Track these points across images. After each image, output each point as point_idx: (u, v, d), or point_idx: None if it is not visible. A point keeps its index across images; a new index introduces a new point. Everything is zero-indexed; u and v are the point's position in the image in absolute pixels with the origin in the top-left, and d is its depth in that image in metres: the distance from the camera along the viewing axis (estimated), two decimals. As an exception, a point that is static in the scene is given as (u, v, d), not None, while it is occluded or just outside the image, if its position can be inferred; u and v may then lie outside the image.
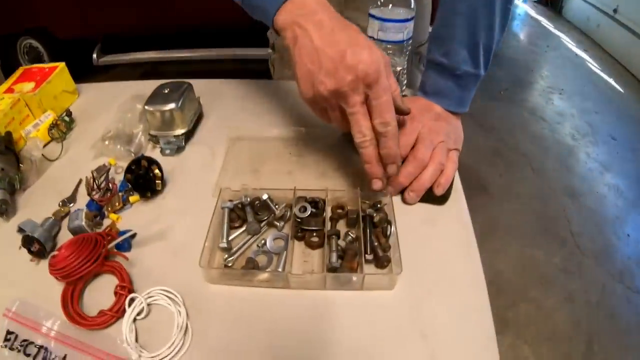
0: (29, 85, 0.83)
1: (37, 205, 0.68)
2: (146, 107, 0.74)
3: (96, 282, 0.58)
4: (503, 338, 1.36)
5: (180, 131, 0.76)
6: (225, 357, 0.50)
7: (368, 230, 0.59)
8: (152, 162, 0.67)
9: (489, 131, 2.28)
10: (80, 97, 0.93)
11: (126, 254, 0.61)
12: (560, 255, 1.64)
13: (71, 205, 0.67)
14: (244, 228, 0.62)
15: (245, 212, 0.63)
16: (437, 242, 0.60)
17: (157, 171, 0.67)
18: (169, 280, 0.57)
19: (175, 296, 0.55)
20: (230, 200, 0.64)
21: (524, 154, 2.05)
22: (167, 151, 0.76)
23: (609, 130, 2.54)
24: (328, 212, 0.64)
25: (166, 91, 0.77)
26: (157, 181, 0.67)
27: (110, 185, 0.69)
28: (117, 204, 0.66)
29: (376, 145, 0.53)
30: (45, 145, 0.79)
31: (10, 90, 0.82)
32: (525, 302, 1.48)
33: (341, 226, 0.63)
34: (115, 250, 0.60)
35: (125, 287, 0.55)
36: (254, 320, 0.53)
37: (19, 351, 0.51)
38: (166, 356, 0.50)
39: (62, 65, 0.88)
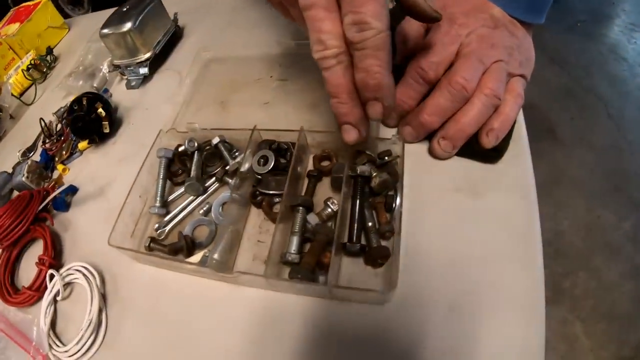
0: (14, 27, 0.74)
1: (8, 156, 0.61)
2: (101, 32, 0.58)
3: (36, 249, 0.49)
4: (554, 310, 1.13)
5: (143, 57, 0.59)
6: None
7: (358, 201, 0.36)
8: (95, 99, 0.52)
9: (561, 67, 1.88)
10: (71, 32, 0.82)
11: (62, 214, 0.50)
12: (632, 221, 1.34)
13: (31, 155, 0.58)
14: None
15: (191, 163, 0.44)
16: (479, 230, 0.34)
17: (100, 110, 0.52)
18: (96, 254, 0.44)
19: (93, 276, 0.42)
20: (180, 145, 0.46)
21: (600, 97, 1.72)
22: (133, 83, 0.60)
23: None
24: (307, 165, 0.42)
25: (125, 9, 0.59)
26: (103, 122, 0.52)
27: (63, 130, 0.57)
28: (64, 152, 0.54)
29: (348, 65, 0.31)
30: (27, 89, 0.71)
31: (-3, 35, 0.75)
32: (586, 271, 1.19)
33: (324, 189, 0.41)
34: (47, 213, 0.49)
35: (46, 261, 0.44)
36: (183, 318, 0.37)
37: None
38: (74, 354, 0.39)
39: (44, 0, 0.77)
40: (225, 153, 0.43)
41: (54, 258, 0.45)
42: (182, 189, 0.44)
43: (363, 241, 0.36)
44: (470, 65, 0.36)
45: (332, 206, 0.37)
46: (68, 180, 0.53)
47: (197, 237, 0.41)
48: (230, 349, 0.34)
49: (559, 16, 1.93)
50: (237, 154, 0.44)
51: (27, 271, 0.47)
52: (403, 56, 0.41)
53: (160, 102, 0.56)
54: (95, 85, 0.61)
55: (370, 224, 0.36)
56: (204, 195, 0.43)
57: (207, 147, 0.44)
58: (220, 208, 0.42)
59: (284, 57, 0.54)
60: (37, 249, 0.48)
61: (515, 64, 0.38)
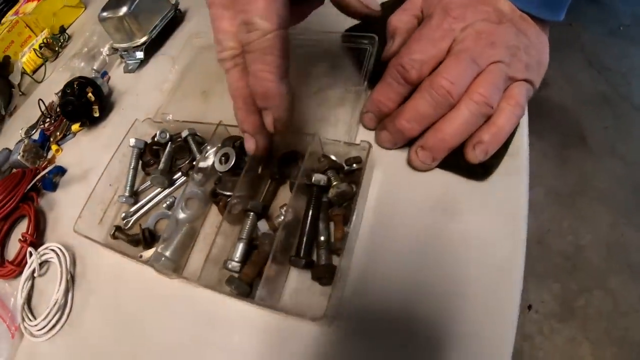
0: (31, 5, 0.77)
1: (14, 132, 0.64)
2: (100, 15, 0.58)
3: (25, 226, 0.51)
4: (563, 328, 1.05)
5: (139, 41, 0.59)
6: (96, 351, 0.38)
7: (311, 212, 0.34)
8: (86, 83, 0.53)
9: (599, 71, 1.68)
10: (86, 11, 0.83)
11: (50, 194, 0.52)
12: (659, 243, 1.19)
13: (33, 133, 0.61)
14: (159, 177, 0.45)
15: (162, 155, 0.44)
16: (450, 257, 0.31)
17: (90, 95, 0.53)
18: (71, 236, 0.45)
19: (64, 257, 0.44)
20: (154, 137, 0.46)
21: (637, 107, 1.54)
22: (130, 67, 0.61)
23: None
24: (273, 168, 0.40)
25: None
26: (93, 106, 0.53)
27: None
28: (58, 133, 0.56)
29: (245, 68, 0.29)
30: (40, 66, 0.73)
31: (16, 13, 0.78)
32: (602, 291, 1.09)
33: (286, 195, 0.39)
34: (41, 192, 0.52)
35: (27, 238, 0.47)
36: (137, 309, 0.38)
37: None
38: (41, 329, 0.41)
39: None
40: (194, 147, 0.42)
41: (36, 236, 0.47)
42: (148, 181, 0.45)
43: (315, 256, 0.34)
44: (459, 66, 0.31)
45: (287, 215, 0.35)
46: (60, 160, 0.55)
47: (158, 231, 0.41)
48: (175, 346, 0.35)
49: (601, 17, 1.74)
50: (208, 148, 0.43)
51: (15, 247, 0.50)
52: (392, 53, 0.37)
53: (151, 88, 0.56)
54: (95, 68, 0.62)
55: (322, 238, 0.34)
56: (171, 189, 0.43)
57: (178, 140, 0.44)
58: (184, 203, 0.41)
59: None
60: (25, 226, 0.51)
61: (519, 67, 0.32)
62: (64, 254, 0.44)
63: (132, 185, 0.44)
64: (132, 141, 0.44)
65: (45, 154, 0.56)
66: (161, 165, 0.43)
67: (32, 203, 0.50)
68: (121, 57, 0.63)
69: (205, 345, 0.34)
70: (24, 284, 0.45)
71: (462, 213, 0.32)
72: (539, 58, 0.34)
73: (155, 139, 0.44)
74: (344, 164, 0.37)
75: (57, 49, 0.73)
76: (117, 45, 0.61)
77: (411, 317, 0.29)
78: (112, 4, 0.58)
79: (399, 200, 0.35)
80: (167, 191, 0.43)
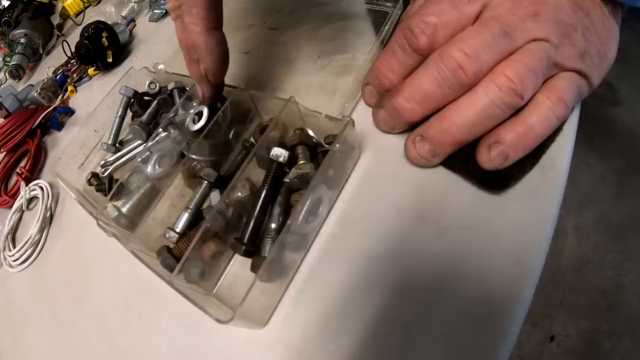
0: None
1: (49, 70, 0.66)
2: None
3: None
4: None
5: (164, -11, 0.57)
6: (53, 291, 0.38)
7: (265, 192, 0.28)
8: (102, 28, 0.52)
9: None
10: None
11: (57, 134, 0.52)
12: None
13: (59, 73, 0.62)
14: (144, 129, 0.42)
15: (149, 106, 0.42)
16: (427, 289, 0.24)
17: (104, 40, 0.52)
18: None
19: (48, 196, 0.44)
20: (150, 87, 0.43)
21: None
22: (155, 16, 0.59)
23: None
24: (248, 133, 0.36)
25: None
26: (107, 51, 0.52)
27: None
28: (75, 75, 0.56)
29: None
30: (84, 10, 0.75)
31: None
32: (633, 338, 0.88)
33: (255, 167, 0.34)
34: (49, 130, 0.53)
35: (22, 172, 0.47)
36: (94, 262, 0.37)
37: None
38: (15, 260, 0.42)
39: None
40: (178, 101, 0.39)
41: (33, 172, 0.48)
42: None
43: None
44: (482, 35, 0.23)
45: (240, 189, 0.30)
46: (72, 102, 0.55)
47: (128, 184, 0.39)
48: (110, 306, 0.33)
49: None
50: (194, 104, 0.40)
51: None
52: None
53: (167, 38, 0.54)
54: (123, 14, 0.61)
55: (273, 225, 0.28)
56: (150, 143, 0.41)
57: (167, 92, 0.41)
58: (156, 160, 0.39)
59: (288, 1, 0.46)
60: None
61: (571, 52, 0.24)
62: (48, 191, 0.44)
63: (117, 134, 0.42)
64: (121, 89, 0.42)
65: (62, 94, 0.57)
66: (144, 117, 0.40)
67: (35, 138, 0.51)
68: (150, 5, 0.61)
69: (136, 315, 0.31)
70: (12, 215, 0.46)
71: (459, 235, 0.24)
72: (601, 48, 0.25)
73: (145, 89, 0.42)
74: (322, 142, 0.31)
75: None
76: (145, -7, 0.59)
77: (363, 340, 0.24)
78: None
79: (382, 197, 0.28)
80: (147, 145, 0.41)
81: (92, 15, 0.70)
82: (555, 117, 0.24)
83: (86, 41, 0.51)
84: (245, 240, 0.27)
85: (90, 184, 0.40)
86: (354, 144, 0.30)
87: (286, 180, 0.29)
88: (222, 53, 0.30)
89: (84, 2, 0.72)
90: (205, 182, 0.31)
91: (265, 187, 0.29)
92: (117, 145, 0.42)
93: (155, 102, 0.41)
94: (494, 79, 0.23)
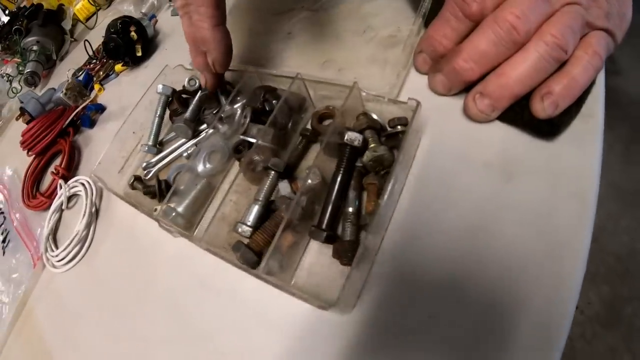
0: None
1: (63, 76, 0.65)
2: None
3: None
4: (607, 335, 0.90)
5: (187, -18, 0.56)
6: (106, 288, 0.38)
7: (340, 177, 0.29)
8: (129, 22, 0.51)
9: None
10: None
11: (89, 132, 0.52)
12: None
13: (80, 75, 0.61)
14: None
15: (189, 104, 0.42)
16: (504, 225, 0.25)
17: (133, 34, 0.51)
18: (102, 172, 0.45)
19: (91, 191, 0.43)
20: (189, 83, 0.43)
21: None
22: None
23: None
24: (307, 123, 0.36)
25: None
26: (136, 45, 0.52)
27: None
28: (101, 72, 0.56)
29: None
30: (93, 14, 0.74)
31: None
32: None
33: (315, 155, 0.35)
34: (80, 129, 0.52)
35: (59, 171, 0.47)
36: (146, 259, 0.37)
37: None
38: (60, 260, 0.41)
39: None
40: (222, 96, 0.39)
41: (69, 170, 0.48)
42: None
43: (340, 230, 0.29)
44: (529, 0, 0.26)
45: (311, 177, 0.30)
46: (102, 99, 0.54)
47: (178, 184, 0.39)
48: (171, 303, 0.33)
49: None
50: (238, 98, 0.40)
51: (47, 181, 0.51)
52: None
53: None
54: (143, 11, 0.60)
55: (350, 209, 0.29)
56: (195, 140, 0.40)
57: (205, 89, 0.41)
58: (206, 156, 0.39)
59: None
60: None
61: (599, 13, 0.27)
62: (91, 187, 0.44)
63: (157, 134, 0.42)
64: (159, 87, 0.41)
65: (88, 93, 0.56)
66: (187, 115, 0.40)
67: (68, 137, 0.50)
68: (170, 0, 0.60)
69: (201, 311, 0.31)
70: (52, 215, 0.45)
71: (519, 175, 0.27)
72: (620, 9, 0.28)
73: (184, 87, 0.41)
74: (386, 125, 0.32)
75: None
76: (167, -13, 0.58)
77: (453, 311, 0.24)
78: None
79: (448, 171, 0.29)
80: (191, 142, 0.41)
81: (105, 18, 0.69)
82: (593, 68, 0.27)
83: (114, 35, 0.51)
84: (324, 226, 0.28)
85: (133, 188, 0.40)
86: (420, 123, 0.30)
87: (358, 164, 0.30)
88: (228, 46, 0.35)
89: (96, 6, 0.71)
90: (273, 172, 0.31)
91: (341, 172, 0.29)
92: (157, 146, 0.42)
93: (197, 98, 0.41)
94: (542, 36, 0.26)
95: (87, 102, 0.51)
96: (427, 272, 0.26)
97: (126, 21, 0.51)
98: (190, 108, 0.40)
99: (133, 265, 0.37)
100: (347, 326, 0.26)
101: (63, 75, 0.64)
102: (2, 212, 0.52)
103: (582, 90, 0.27)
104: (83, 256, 0.41)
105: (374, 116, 0.32)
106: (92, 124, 0.52)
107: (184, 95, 0.42)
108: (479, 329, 0.23)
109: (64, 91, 0.54)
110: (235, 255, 0.28)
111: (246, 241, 0.29)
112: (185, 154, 0.40)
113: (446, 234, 0.26)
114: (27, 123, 0.55)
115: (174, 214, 0.34)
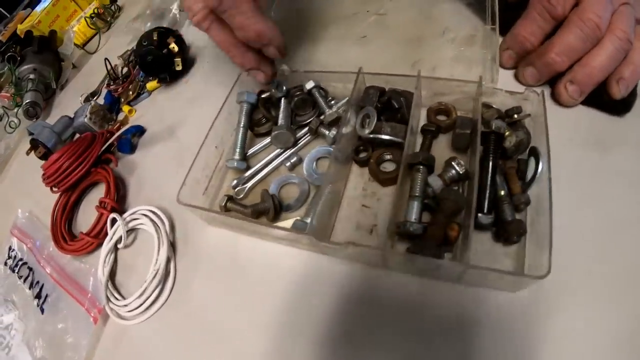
0: None
1: (69, 103, 0.57)
2: None
3: (97, 194, 0.44)
4: None
5: (220, -6, 0.52)
6: (207, 328, 0.31)
7: (491, 163, 0.29)
8: (167, 34, 0.47)
9: None
10: None
11: (126, 157, 0.45)
12: None
13: (95, 99, 0.54)
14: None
15: (278, 111, 0.38)
16: (603, 190, 0.28)
17: (173, 45, 0.46)
18: (165, 198, 0.39)
19: (162, 221, 0.37)
20: (261, 92, 0.39)
21: None
22: (206, 25, 0.54)
23: None
24: (418, 120, 0.35)
25: None
26: (175, 59, 0.47)
27: (130, 70, 0.52)
28: (131, 92, 0.49)
29: (221, 21, 0.32)
30: (90, 39, 0.67)
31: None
32: None
33: (441, 148, 0.33)
34: (110, 154, 0.45)
35: (108, 203, 0.40)
36: (262, 288, 0.32)
37: (13, 271, 0.43)
38: (135, 308, 0.34)
39: None
40: (321, 100, 0.36)
41: (117, 202, 0.40)
42: (264, 141, 0.38)
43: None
44: (601, 3, 0.31)
45: (457, 168, 0.30)
46: (134, 122, 0.48)
47: (283, 198, 0.34)
48: (318, 326, 0.28)
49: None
50: (332, 102, 0.37)
51: (86, 217, 0.43)
52: None
53: None
54: (164, 26, 0.55)
55: (502, 192, 0.29)
56: (294, 149, 0.37)
57: (298, 93, 0.37)
58: (314, 164, 0.35)
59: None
60: (97, 194, 0.44)
61: (628, 9, 0.32)
62: (160, 218, 0.37)
63: (243, 147, 0.37)
64: (243, 95, 0.37)
65: (114, 117, 0.49)
66: (281, 121, 0.36)
67: (108, 166, 0.43)
68: (192, 15, 0.56)
69: (360, 326, 0.27)
70: (106, 257, 0.38)
71: (609, 147, 0.31)
72: None
73: (270, 93, 0.38)
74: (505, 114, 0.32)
75: (109, 19, 0.66)
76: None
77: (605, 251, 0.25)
78: None
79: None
80: (288, 152, 0.37)
81: (114, 40, 0.63)
82: None
83: (151, 47, 0.45)
84: (485, 211, 0.28)
85: (227, 210, 0.35)
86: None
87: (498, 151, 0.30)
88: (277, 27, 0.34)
89: (95, 29, 0.64)
90: (422, 167, 0.29)
91: (491, 158, 0.29)
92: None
93: (287, 104, 0.37)
94: (615, 32, 0.31)
95: (127, 125, 0.44)
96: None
97: (162, 32, 0.46)
98: (283, 115, 0.37)
99: (240, 293, 0.32)
100: (525, 303, 0.25)
101: (67, 105, 0.56)
102: (26, 263, 0.42)
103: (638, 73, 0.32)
104: (167, 297, 0.34)
105: (495, 106, 0.33)
106: (132, 148, 0.45)
107: (266, 103, 0.38)
108: None
109: (89, 115, 0.46)
110: (417, 252, 0.26)
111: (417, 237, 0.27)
112: (288, 164, 0.35)
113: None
114: (43, 156, 0.46)
115: (307, 227, 0.30)
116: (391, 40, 0.42)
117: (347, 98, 0.35)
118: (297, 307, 0.30)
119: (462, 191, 0.30)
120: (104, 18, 0.66)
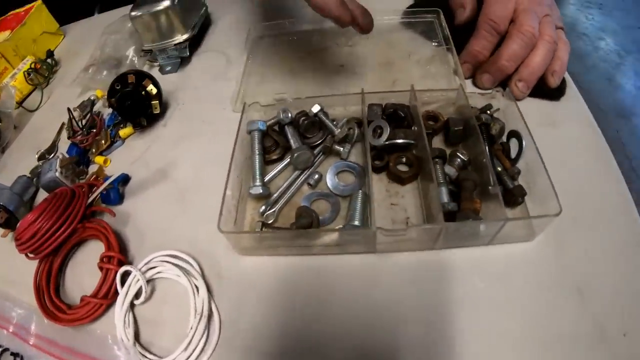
0: (4, 35, 0.63)
1: (17, 164, 0.49)
2: (132, 14, 0.51)
3: (84, 253, 0.39)
4: None
5: (182, 37, 0.53)
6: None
7: (487, 147, 0.35)
8: (142, 76, 0.45)
9: None
10: (67, 38, 0.71)
11: (115, 207, 0.41)
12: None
13: (51, 157, 0.48)
14: (286, 161, 0.40)
15: (287, 136, 0.40)
16: (564, 153, 0.37)
17: (151, 87, 0.45)
18: (179, 243, 0.37)
19: (190, 264, 0.35)
20: (264, 121, 0.41)
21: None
22: (168, 68, 0.54)
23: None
24: (420, 124, 0.40)
25: None
26: (153, 102, 0.45)
27: (95, 120, 0.48)
28: (103, 142, 0.46)
29: None
30: (27, 95, 0.60)
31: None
32: None
33: (438, 146, 0.39)
34: (102, 206, 0.41)
35: (113, 258, 0.36)
36: (316, 301, 0.32)
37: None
38: (183, 363, 0.31)
39: (37, 3, 0.67)
40: (328, 121, 0.39)
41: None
42: (278, 166, 0.39)
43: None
44: (531, 17, 0.40)
45: (462, 156, 0.36)
46: (111, 171, 0.44)
47: (323, 211, 0.36)
48: (411, 313, 0.30)
49: None
50: (334, 122, 0.41)
51: (77, 280, 0.38)
52: (466, 18, 0.45)
53: (209, 81, 0.52)
54: (137, 69, 0.53)
55: (499, 168, 0.35)
56: (312, 168, 0.39)
57: (303, 118, 0.40)
58: (336, 178, 0.38)
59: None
60: (85, 253, 0.39)
61: (556, 18, 0.43)
62: (186, 261, 0.35)
63: (262, 173, 0.38)
64: (255, 124, 0.39)
65: (85, 169, 0.45)
66: (294, 144, 0.39)
67: (98, 220, 0.39)
68: (151, 60, 0.56)
69: (425, 299, 0.31)
70: (125, 318, 0.34)
71: (556, 123, 0.40)
72: (558, 13, 0.45)
73: (276, 120, 0.40)
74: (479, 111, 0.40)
75: (47, 74, 0.60)
76: (149, 46, 0.54)
77: (574, 196, 0.32)
78: (148, 0, 0.52)
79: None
80: (307, 172, 0.38)
81: (69, 87, 0.57)
82: (567, 52, 0.42)
83: (128, 90, 0.44)
84: (492, 183, 0.33)
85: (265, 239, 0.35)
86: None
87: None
88: None
89: (34, 84, 0.58)
90: (439, 160, 0.35)
91: (486, 144, 0.35)
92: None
93: (293, 128, 0.40)
94: (544, 37, 0.40)
95: (114, 176, 0.40)
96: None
97: (139, 74, 0.45)
98: (294, 139, 0.39)
99: (297, 310, 0.32)
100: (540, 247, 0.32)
101: (13, 167, 0.49)
102: (8, 350, 0.35)
103: (567, 66, 0.42)
104: (217, 341, 0.32)
105: (473, 107, 0.40)
106: (121, 198, 0.41)
107: (273, 129, 0.40)
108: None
109: (59, 170, 0.42)
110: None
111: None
112: (311, 182, 0.37)
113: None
114: (5, 223, 0.40)
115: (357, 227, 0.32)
116: (367, 67, 0.48)
117: (346, 118, 0.40)
118: (369, 306, 0.31)
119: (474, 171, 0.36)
120: (42, 73, 0.60)
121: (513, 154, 0.36)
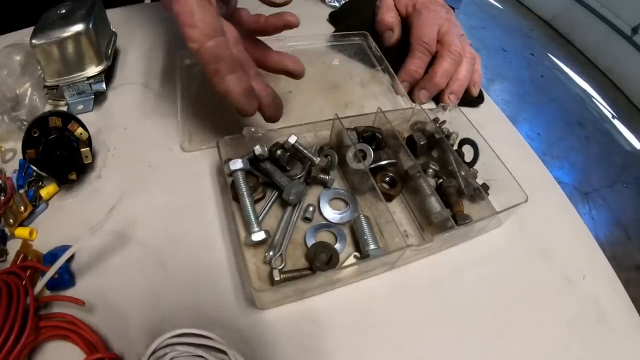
0: None
1: None
2: (34, 42, 0.40)
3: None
4: None
5: (96, 69, 0.45)
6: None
7: (452, 156, 0.42)
8: (67, 118, 0.37)
9: None
10: None
11: (70, 291, 0.33)
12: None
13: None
14: (272, 198, 0.38)
15: (268, 172, 0.38)
16: (499, 149, 0.42)
17: (80, 131, 0.37)
18: (178, 318, 0.32)
19: (209, 338, 0.30)
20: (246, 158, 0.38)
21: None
22: (80, 106, 0.45)
23: (499, 43, 2.86)
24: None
25: (63, 11, 0.43)
26: (82, 149, 0.37)
27: (4, 182, 0.37)
28: (21, 209, 0.35)
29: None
30: None
31: None
32: None
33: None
34: (59, 295, 0.32)
35: (103, 359, 0.29)
36: (365, 335, 0.33)
37: None
38: None
39: None
40: (306, 151, 0.39)
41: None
42: (265, 206, 0.38)
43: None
44: (455, 37, 0.48)
45: (434, 167, 0.41)
46: (42, 246, 0.34)
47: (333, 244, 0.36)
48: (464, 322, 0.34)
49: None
50: (312, 151, 0.41)
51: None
52: (395, 40, 0.52)
53: (139, 119, 0.45)
54: (24, 118, 0.42)
55: (463, 172, 0.41)
56: (303, 200, 0.38)
57: (280, 150, 0.39)
58: (329, 206, 0.38)
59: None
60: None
61: (464, 38, 0.52)
62: (202, 336, 0.30)
63: (257, 216, 0.35)
64: (237, 163, 0.36)
65: (3, 246, 0.34)
66: (280, 181, 0.37)
67: (57, 314, 0.30)
68: (54, 98, 0.45)
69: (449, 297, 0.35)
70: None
71: (484, 125, 0.45)
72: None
73: (256, 155, 0.38)
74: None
75: None
76: (54, 81, 0.43)
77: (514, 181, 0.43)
78: (53, 25, 0.41)
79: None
80: (297, 207, 0.38)
81: None
82: (480, 66, 0.52)
83: (52, 137, 0.35)
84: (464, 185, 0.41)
85: (284, 280, 0.33)
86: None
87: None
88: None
89: None
90: (421, 174, 0.39)
91: (450, 152, 0.42)
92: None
93: (270, 164, 0.39)
94: (466, 55, 0.49)
95: (59, 262, 0.31)
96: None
97: (62, 116, 0.36)
98: (277, 174, 0.38)
99: (337, 348, 0.32)
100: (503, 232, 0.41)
101: None
102: None
103: (481, 76, 0.52)
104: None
105: (424, 120, 0.46)
106: (73, 279, 0.33)
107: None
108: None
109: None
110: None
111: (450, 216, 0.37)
112: (308, 216, 0.37)
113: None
114: None
115: (380, 251, 0.34)
116: (315, 91, 0.49)
117: (317, 145, 0.42)
118: (410, 322, 0.33)
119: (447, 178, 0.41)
120: None
121: (467, 159, 0.44)
